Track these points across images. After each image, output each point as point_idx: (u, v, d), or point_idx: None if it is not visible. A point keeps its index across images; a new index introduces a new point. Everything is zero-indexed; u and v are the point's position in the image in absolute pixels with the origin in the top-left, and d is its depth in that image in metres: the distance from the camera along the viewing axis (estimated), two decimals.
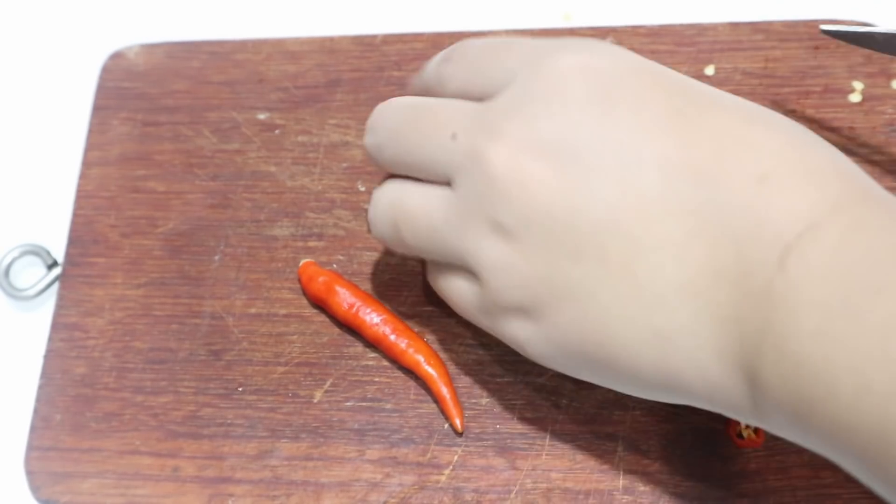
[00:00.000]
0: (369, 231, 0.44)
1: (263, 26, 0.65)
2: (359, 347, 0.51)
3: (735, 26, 0.57)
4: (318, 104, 0.59)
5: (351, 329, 0.51)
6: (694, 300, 0.31)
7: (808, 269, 0.29)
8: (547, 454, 0.47)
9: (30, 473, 0.50)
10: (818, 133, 0.54)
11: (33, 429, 0.51)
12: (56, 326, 0.54)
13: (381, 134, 0.41)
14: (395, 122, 0.40)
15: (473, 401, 0.49)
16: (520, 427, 0.48)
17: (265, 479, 0.48)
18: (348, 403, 0.50)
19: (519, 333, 0.38)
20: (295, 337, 0.52)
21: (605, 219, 0.33)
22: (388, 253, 0.53)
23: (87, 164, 0.59)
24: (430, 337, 0.51)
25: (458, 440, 0.48)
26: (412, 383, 0.50)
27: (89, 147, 0.59)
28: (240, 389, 0.51)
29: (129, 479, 0.49)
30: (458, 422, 0.47)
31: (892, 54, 0.44)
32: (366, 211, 0.55)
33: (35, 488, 0.50)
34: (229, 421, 0.50)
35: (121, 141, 0.59)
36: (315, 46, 0.61)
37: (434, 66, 0.43)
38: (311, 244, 0.54)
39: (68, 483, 0.50)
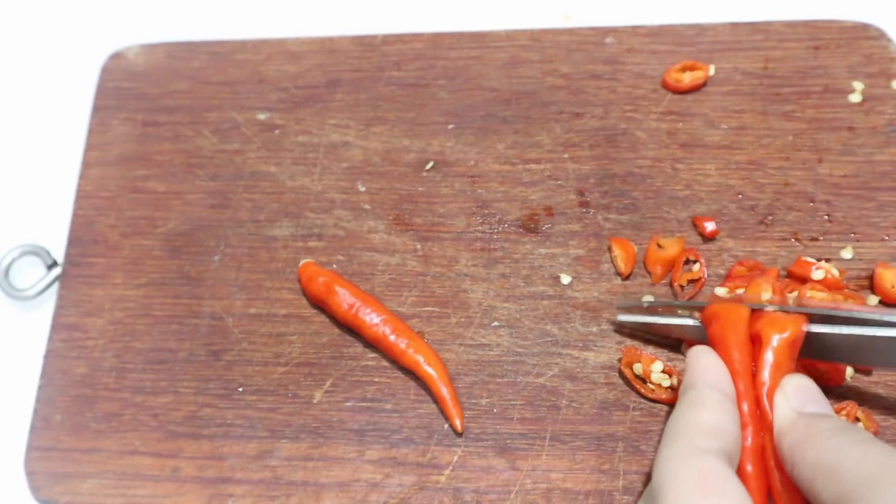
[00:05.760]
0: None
1: (263, 26, 0.65)
2: (358, 348, 0.51)
3: (735, 26, 0.57)
4: (318, 104, 0.59)
5: (351, 329, 0.51)
6: None
7: None
8: (547, 454, 0.47)
9: (30, 473, 0.50)
10: (818, 133, 0.55)
11: (33, 429, 0.51)
12: (56, 326, 0.54)
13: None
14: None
15: (473, 401, 0.49)
16: (520, 427, 0.48)
17: (265, 480, 0.48)
18: (348, 404, 0.50)
19: None
20: (295, 337, 0.52)
21: None
22: (387, 253, 0.53)
23: (87, 164, 0.59)
24: (430, 337, 0.51)
25: (458, 440, 0.48)
26: (412, 383, 0.50)
27: (89, 147, 0.59)
28: (240, 390, 0.51)
29: (129, 479, 0.49)
30: (457, 422, 0.47)
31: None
32: (366, 211, 0.55)
33: (35, 488, 0.50)
34: (229, 421, 0.50)
35: (121, 141, 0.59)
36: (315, 46, 0.61)
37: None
38: (311, 244, 0.54)
39: (68, 483, 0.50)
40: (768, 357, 0.40)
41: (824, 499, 0.33)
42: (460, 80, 0.58)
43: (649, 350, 0.49)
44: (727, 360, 0.41)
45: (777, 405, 0.39)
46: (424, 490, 0.47)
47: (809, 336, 0.41)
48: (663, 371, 0.47)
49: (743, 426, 0.39)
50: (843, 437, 0.35)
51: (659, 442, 0.46)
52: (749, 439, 0.39)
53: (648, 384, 0.48)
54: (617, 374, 0.48)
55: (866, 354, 0.41)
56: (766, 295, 0.45)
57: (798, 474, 0.35)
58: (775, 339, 0.40)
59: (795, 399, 0.38)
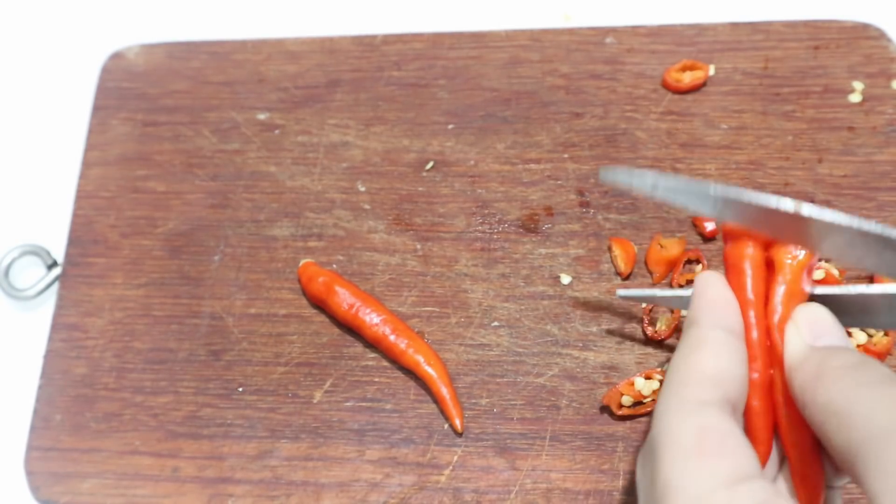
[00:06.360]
0: None
1: (263, 26, 0.65)
2: (359, 348, 0.51)
3: (735, 26, 0.57)
4: (318, 104, 0.59)
5: (351, 329, 0.51)
6: None
7: None
8: (547, 454, 0.47)
9: (30, 473, 0.50)
10: (818, 133, 0.55)
11: (33, 429, 0.51)
12: (56, 326, 0.54)
13: None
14: None
15: (473, 401, 0.49)
16: (520, 427, 0.48)
17: (265, 479, 0.48)
18: (348, 403, 0.50)
19: None
20: (295, 337, 0.52)
21: None
22: (387, 253, 0.53)
23: (87, 164, 0.59)
24: (430, 337, 0.51)
25: (458, 440, 0.48)
26: (412, 383, 0.50)
27: (89, 147, 0.59)
28: (240, 389, 0.51)
29: (129, 479, 0.49)
30: (457, 422, 0.47)
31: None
32: (366, 211, 0.55)
33: (35, 488, 0.50)
34: (229, 421, 0.50)
35: (121, 141, 0.59)
36: (315, 46, 0.61)
37: None
38: (311, 244, 0.54)
39: (68, 483, 0.50)
40: (781, 284, 0.37)
41: (835, 444, 0.31)
42: (460, 80, 0.58)
43: (629, 373, 0.49)
44: (739, 287, 0.38)
45: (788, 338, 0.36)
46: (424, 490, 0.47)
47: (817, 299, 0.39)
48: (646, 378, 0.47)
49: (752, 359, 0.36)
50: (855, 377, 0.32)
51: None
52: (757, 373, 0.36)
53: (645, 401, 0.47)
54: (617, 375, 0.48)
55: (875, 315, 0.39)
56: None
57: (809, 415, 0.33)
58: (788, 265, 0.37)
59: (808, 331, 0.36)
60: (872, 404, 0.30)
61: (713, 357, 0.34)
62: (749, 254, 0.38)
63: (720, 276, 0.38)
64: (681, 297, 0.45)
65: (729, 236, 0.39)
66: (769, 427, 0.36)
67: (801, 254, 0.37)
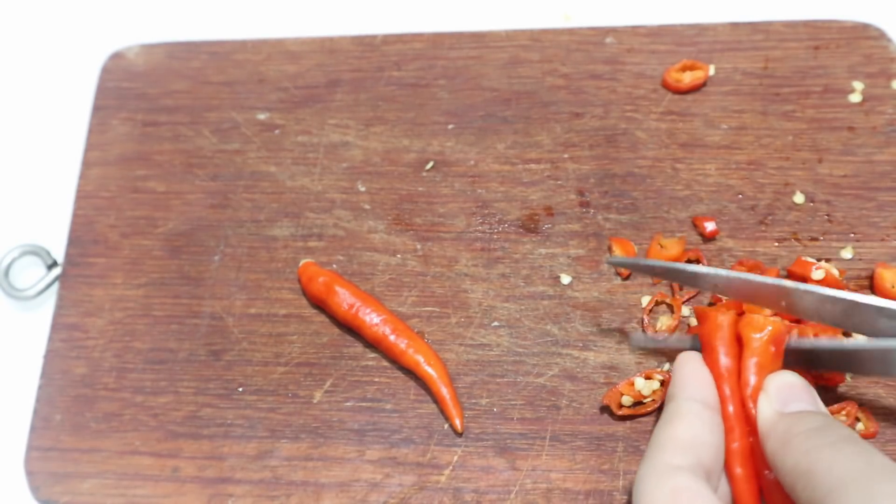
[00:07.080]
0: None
1: (263, 26, 0.65)
2: (359, 348, 0.51)
3: (735, 26, 0.57)
4: (318, 104, 0.59)
5: (351, 329, 0.51)
6: None
7: None
8: (547, 454, 0.47)
9: (30, 473, 0.50)
10: (818, 133, 0.55)
11: (33, 429, 0.51)
12: (56, 326, 0.54)
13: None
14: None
15: (473, 401, 0.49)
16: (520, 427, 0.48)
17: (265, 480, 0.48)
18: (348, 403, 0.50)
19: None
20: (295, 337, 0.52)
21: None
22: (388, 253, 0.53)
23: (87, 164, 0.59)
24: (430, 337, 0.51)
25: (458, 440, 0.48)
26: (412, 383, 0.50)
27: (89, 147, 0.59)
28: (240, 389, 0.51)
29: (129, 479, 0.49)
30: (457, 422, 0.47)
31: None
32: (366, 211, 0.55)
33: (35, 488, 0.50)
34: (229, 421, 0.50)
35: (121, 141, 0.59)
36: (315, 46, 0.61)
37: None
38: (311, 244, 0.54)
39: (68, 483, 0.50)
40: (750, 357, 0.40)
41: (803, 501, 0.33)
42: (460, 80, 0.58)
43: (629, 373, 0.49)
44: (713, 363, 0.41)
45: (760, 407, 0.39)
46: (424, 490, 0.47)
47: (799, 349, 0.41)
48: (646, 378, 0.47)
49: (730, 429, 0.39)
50: (818, 440, 0.34)
51: None
52: (736, 442, 0.39)
53: (646, 401, 0.47)
54: (617, 375, 0.48)
55: (857, 365, 0.41)
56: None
57: (781, 478, 0.36)
58: (756, 339, 0.40)
59: (777, 399, 0.38)
60: (832, 461, 0.33)
61: (687, 426, 0.37)
62: (719, 333, 0.41)
63: (696, 355, 0.42)
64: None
65: (701, 318, 0.43)
66: (754, 492, 0.38)
67: (768, 329, 0.40)
